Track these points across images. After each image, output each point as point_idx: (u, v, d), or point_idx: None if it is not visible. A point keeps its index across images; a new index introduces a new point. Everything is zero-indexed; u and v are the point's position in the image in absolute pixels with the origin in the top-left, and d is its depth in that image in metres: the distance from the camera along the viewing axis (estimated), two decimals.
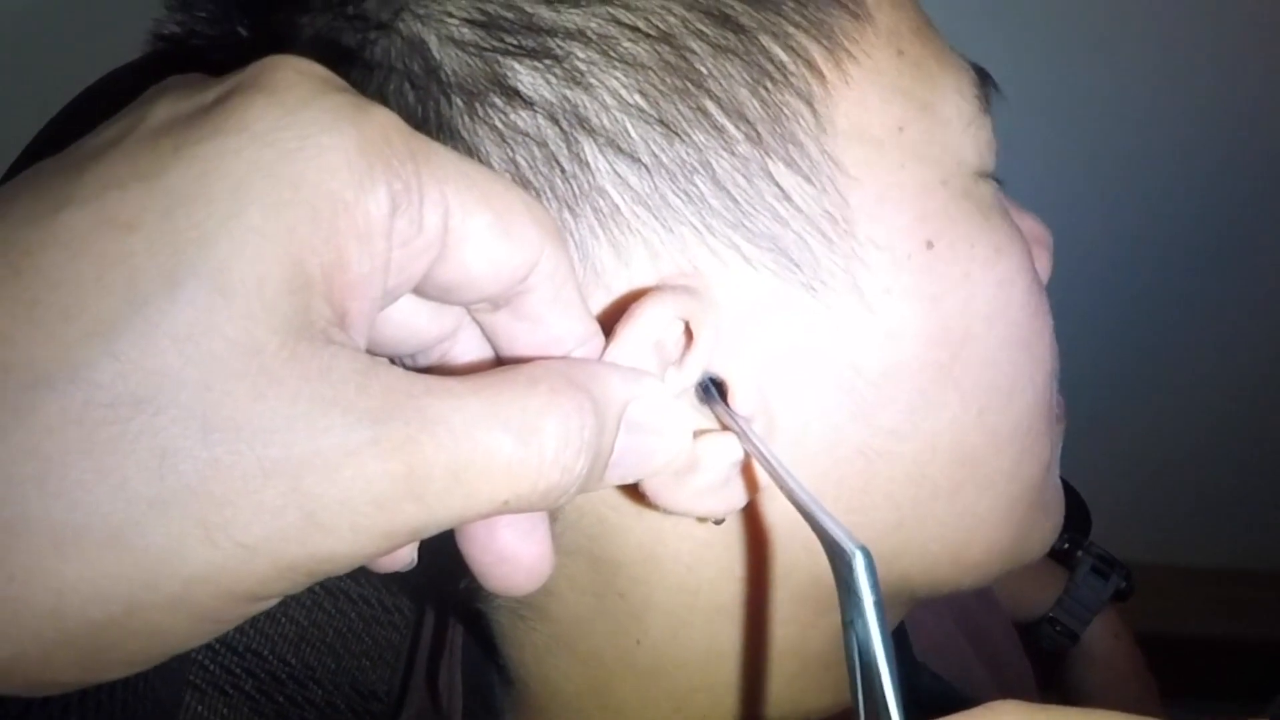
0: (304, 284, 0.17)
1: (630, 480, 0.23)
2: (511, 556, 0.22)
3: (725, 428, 0.26)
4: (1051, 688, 0.66)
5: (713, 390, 0.26)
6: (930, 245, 0.26)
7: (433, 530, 0.18)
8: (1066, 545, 0.71)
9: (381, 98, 0.24)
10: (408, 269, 0.19)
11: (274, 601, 0.18)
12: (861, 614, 0.19)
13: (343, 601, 0.45)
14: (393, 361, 0.24)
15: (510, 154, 0.24)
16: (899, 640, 0.44)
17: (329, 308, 0.17)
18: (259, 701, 0.41)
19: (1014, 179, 0.29)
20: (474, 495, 0.18)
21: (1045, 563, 0.71)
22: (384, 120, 0.18)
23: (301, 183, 0.17)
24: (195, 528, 0.16)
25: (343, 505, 0.17)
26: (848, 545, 0.20)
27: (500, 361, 0.23)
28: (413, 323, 0.22)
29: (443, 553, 0.23)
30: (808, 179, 0.25)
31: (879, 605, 0.19)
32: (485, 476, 0.18)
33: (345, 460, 0.16)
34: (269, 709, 0.41)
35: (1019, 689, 0.51)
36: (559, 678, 0.32)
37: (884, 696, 0.19)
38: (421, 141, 0.19)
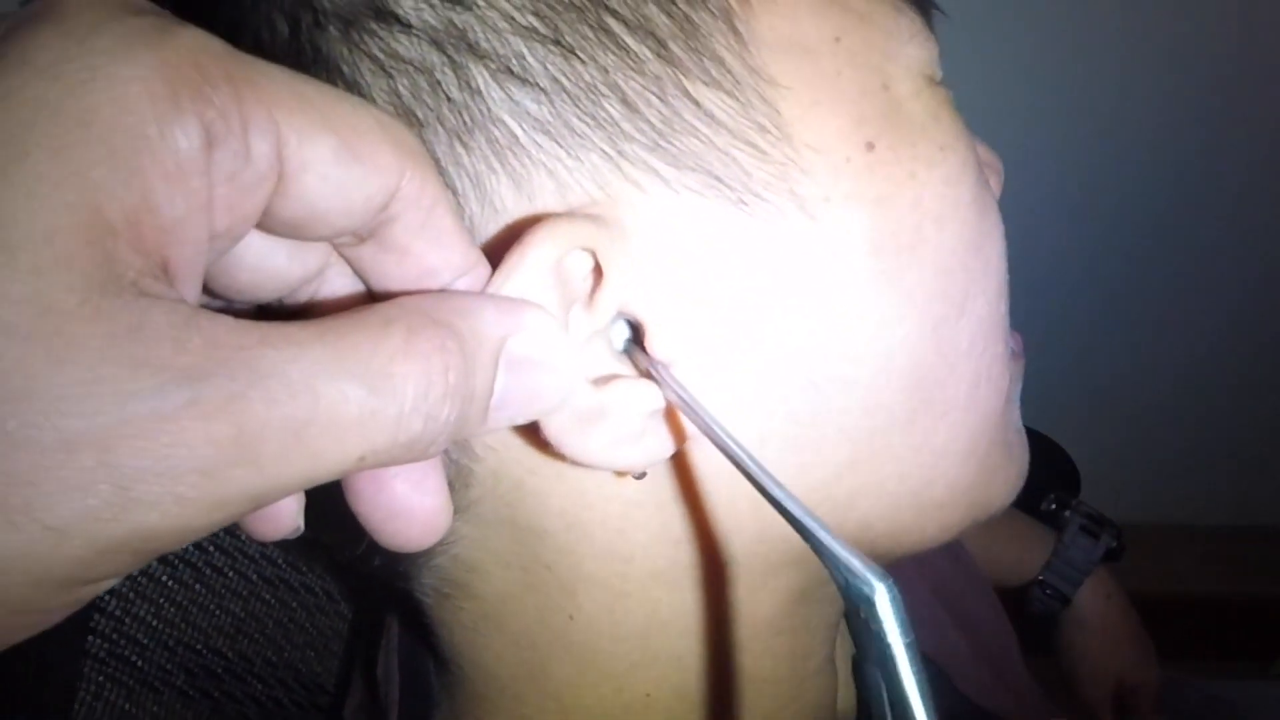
0: (104, 233, 0.15)
1: (520, 422, 0.21)
2: (404, 510, 0.20)
3: (645, 374, 0.24)
4: (1042, 653, 0.64)
5: (628, 333, 0.24)
6: (871, 147, 0.24)
7: (278, 495, 0.17)
8: (1054, 505, 0.69)
9: (253, 31, 0.22)
10: (240, 206, 0.17)
11: (107, 585, 0.17)
12: (890, 658, 0.16)
13: (283, 590, 0.43)
14: (262, 310, 0.22)
15: (392, 84, 0.22)
16: None
17: (140, 257, 0.16)
18: (193, 697, 0.38)
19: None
20: (320, 454, 0.16)
21: (1032, 524, 0.69)
22: (192, 42, 0.16)
23: (93, 119, 0.15)
24: None
25: (162, 476, 0.15)
26: (865, 574, 0.17)
27: (374, 298, 0.21)
28: (270, 264, 0.20)
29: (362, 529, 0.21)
30: (731, 94, 0.23)
31: (911, 648, 0.16)
32: (331, 432, 0.16)
33: (160, 426, 0.15)
34: (204, 705, 0.39)
35: (999, 655, 0.48)
36: (491, 660, 0.30)
37: None
38: (242, 63, 0.17)
